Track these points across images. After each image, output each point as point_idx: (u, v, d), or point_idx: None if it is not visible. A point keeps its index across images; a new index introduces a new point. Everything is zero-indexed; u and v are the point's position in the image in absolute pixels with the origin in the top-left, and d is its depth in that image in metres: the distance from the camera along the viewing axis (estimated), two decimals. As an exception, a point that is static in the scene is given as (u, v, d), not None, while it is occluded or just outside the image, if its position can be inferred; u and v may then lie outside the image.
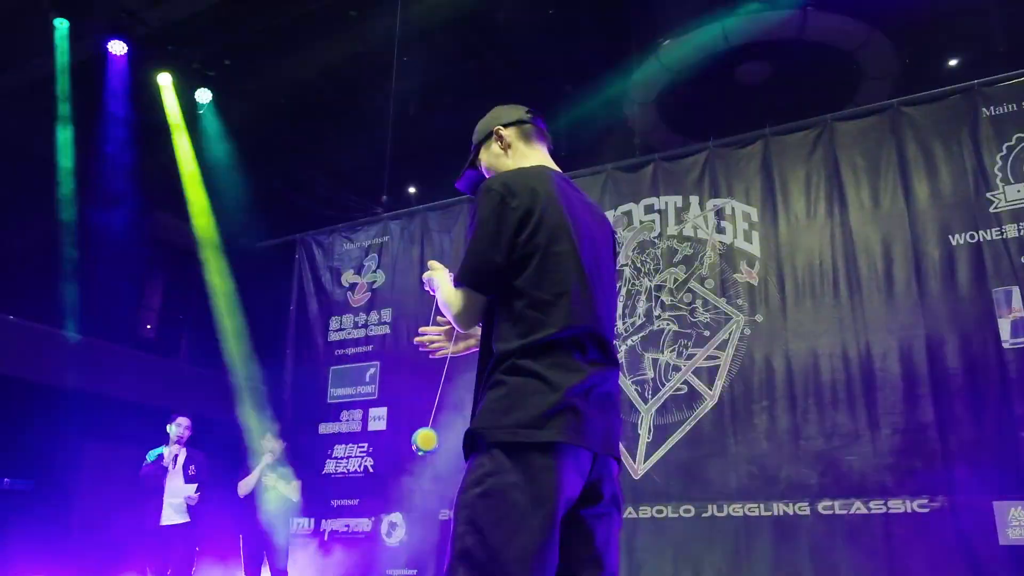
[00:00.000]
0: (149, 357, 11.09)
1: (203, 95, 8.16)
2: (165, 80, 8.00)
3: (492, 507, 1.72)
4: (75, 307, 9.91)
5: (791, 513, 5.21)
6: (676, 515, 5.52)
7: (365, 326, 7.24)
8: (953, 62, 9.40)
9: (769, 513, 5.27)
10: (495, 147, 2.22)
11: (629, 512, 5.60)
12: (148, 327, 12.63)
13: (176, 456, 6.38)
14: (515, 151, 2.20)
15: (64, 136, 8.94)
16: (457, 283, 1.98)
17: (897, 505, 4.93)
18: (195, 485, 6.30)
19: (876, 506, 4.99)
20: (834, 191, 5.66)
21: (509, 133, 2.21)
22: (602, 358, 1.94)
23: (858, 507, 5.03)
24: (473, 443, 1.82)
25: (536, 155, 2.22)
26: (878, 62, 9.25)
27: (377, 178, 7.78)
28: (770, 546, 5.21)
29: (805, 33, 8.75)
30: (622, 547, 5.52)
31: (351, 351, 7.24)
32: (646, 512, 5.58)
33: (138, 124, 8.79)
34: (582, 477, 1.83)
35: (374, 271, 7.36)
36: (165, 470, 6.33)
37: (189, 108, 8.31)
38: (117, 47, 7.85)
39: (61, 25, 7.85)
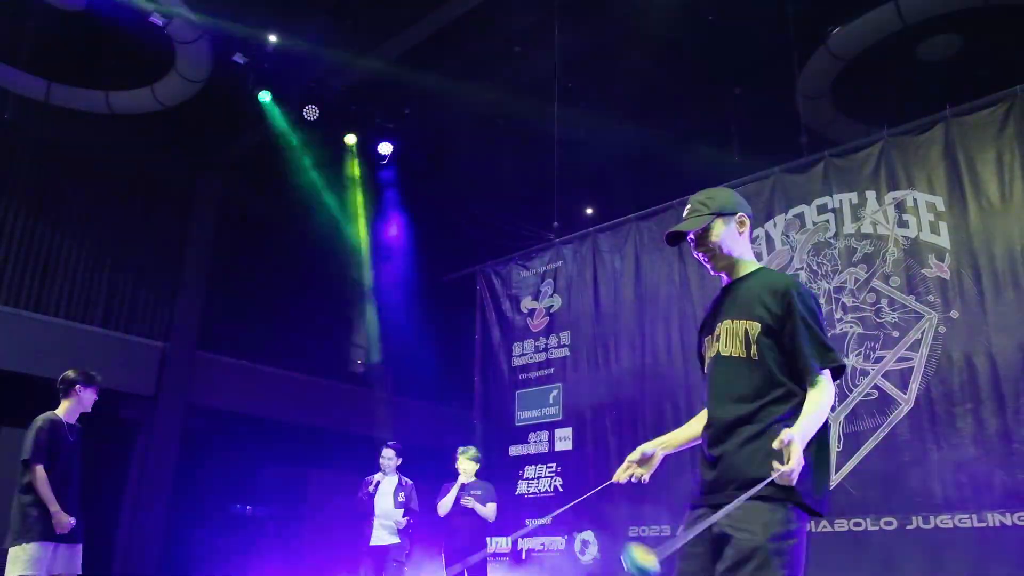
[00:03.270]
0: (361, 390, 12.08)
1: (385, 147, 8.86)
2: (351, 139, 8.77)
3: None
4: (297, 349, 11.03)
5: (1009, 524, 4.77)
6: (876, 527, 5.21)
7: (545, 350, 7.49)
8: None
9: (983, 524, 4.85)
10: (735, 227, 2.47)
11: (824, 526, 5.37)
12: (359, 362, 13.74)
13: (383, 482, 6.90)
14: (745, 240, 2.49)
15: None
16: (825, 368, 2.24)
17: None
18: (402, 511, 6.78)
19: (1111, 514, 4.46)
20: (1032, 168, 5.16)
21: (748, 223, 2.50)
22: None
23: (1089, 515, 4.52)
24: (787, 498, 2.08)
25: (751, 251, 2.54)
26: (1087, 16, 8.27)
27: (548, 203, 8.05)
28: (986, 560, 4.79)
29: (992, -2, 8.02)
30: (819, 563, 5.31)
31: (534, 375, 7.50)
32: (843, 525, 5.32)
33: (333, 177, 9.71)
34: None
35: (551, 296, 7.60)
36: (373, 494, 6.87)
37: (374, 159, 9.06)
38: (311, 113, 8.72)
39: (266, 97, 8.80)
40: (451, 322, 9.14)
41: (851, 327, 5.65)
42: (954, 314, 5.27)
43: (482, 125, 9.59)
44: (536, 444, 7.28)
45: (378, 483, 6.79)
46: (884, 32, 8.59)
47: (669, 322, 6.66)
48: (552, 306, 7.57)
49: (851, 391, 5.53)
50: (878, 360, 5.48)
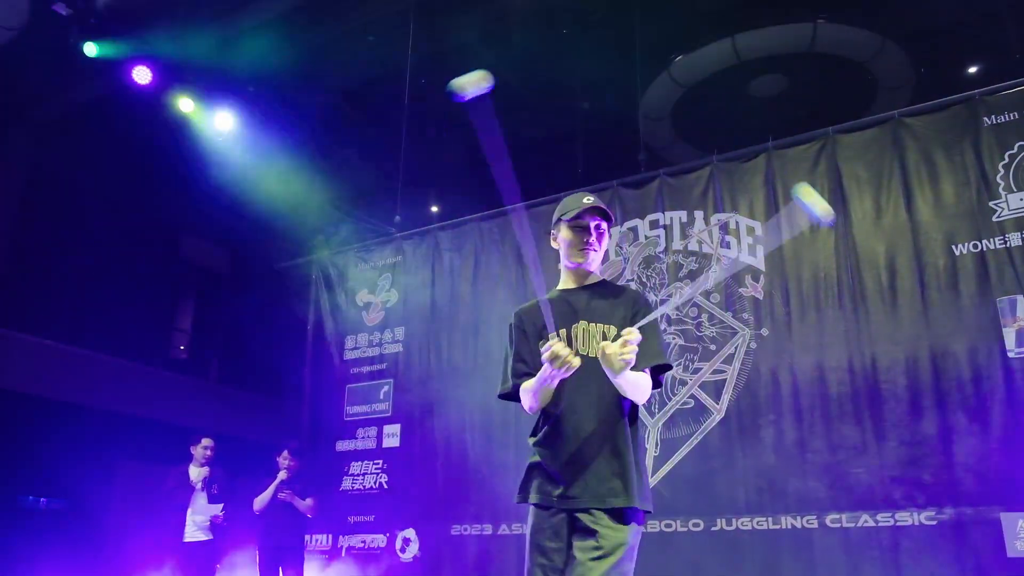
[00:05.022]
0: (181, 378, 11.38)
1: (224, 121, 8.39)
2: (187, 106, 8.24)
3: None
4: (110, 329, 10.22)
5: (799, 527, 5.19)
6: (685, 529, 5.52)
7: (379, 344, 7.37)
8: (972, 69, 9.33)
9: (778, 526, 5.26)
10: (609, 240, 2.81)
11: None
12: (181, 348, 12.95)
13: (202, 476, 6.55)
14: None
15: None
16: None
17: (904, 518, 4.90)
18: (220, 505, 6.46)
19: (884, 519, 4.96)
20: (837, 204, 5.63)
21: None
22: None
23: (866, 520, 5.00)
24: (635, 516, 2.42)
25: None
26: (893, 72, 9.22)
27: (391, 198, 7.93)
28: (779, 559, 5.19)
29: (816, 46, 8.77)
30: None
31: (366, 369, 7.36)
32: (655, 527, 5.59)
33: (164, 149, 9.08)
34: None
35: (388, 290, 7.49)
36: (192, 488, 6.51)
37: (210, 134, 8.55)
38: (142, 75, 8.08)
39: (91, 50, 8.02)
40: (285, 312, 8.79)
41: (674, 339, 5.96)
42: (764, 331, 5.68)
43: (329, 112, 9.33)
44: (364, 440, 7.14)
45: (201, 476, 6.45)
46: (721, 65, 9.17)
47: (504, 323, 6.71)
48: (388, 301, 7.46)
49: (670, 399, 5.83)
50: (696, 371, 5.81)
